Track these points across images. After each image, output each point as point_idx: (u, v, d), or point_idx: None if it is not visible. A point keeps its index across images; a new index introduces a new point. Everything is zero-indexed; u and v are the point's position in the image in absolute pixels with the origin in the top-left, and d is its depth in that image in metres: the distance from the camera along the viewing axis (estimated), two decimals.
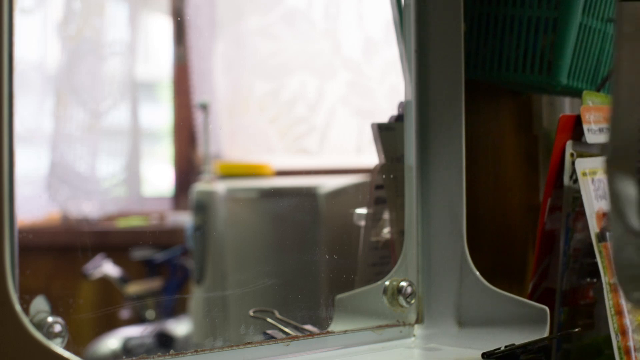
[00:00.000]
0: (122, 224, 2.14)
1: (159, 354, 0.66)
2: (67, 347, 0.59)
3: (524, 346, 0.75)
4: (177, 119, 2.32)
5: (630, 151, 0.62)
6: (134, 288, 1.81)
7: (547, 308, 0.78)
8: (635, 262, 0.61)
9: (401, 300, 0.81)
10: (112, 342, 1.68)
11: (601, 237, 0.85)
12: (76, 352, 0.57)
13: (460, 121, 0.80)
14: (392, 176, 0.86)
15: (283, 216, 1.36)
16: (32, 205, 1.96)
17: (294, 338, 0.75)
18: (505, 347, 0.75)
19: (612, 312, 0.83)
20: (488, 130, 1.01)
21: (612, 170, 0.62)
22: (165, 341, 1.68)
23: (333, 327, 0.80)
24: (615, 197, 0.61)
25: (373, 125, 0.86)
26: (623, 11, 0.60)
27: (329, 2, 2.14)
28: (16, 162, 0.55)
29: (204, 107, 1.91)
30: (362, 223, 0.89)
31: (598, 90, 0.95)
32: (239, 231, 1.44)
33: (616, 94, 0.62)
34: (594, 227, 0.85)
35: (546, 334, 0.77)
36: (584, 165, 0.87)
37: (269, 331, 0.79)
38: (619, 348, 0.83)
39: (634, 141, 0.62)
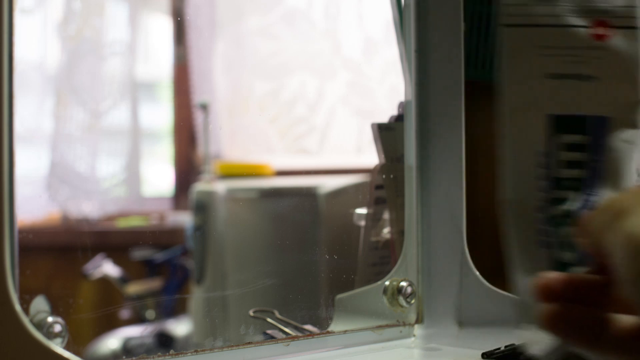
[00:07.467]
0: (122, 224, 2.14)
1: (159, 354, 0.66)
2: (67, 347, 0.59)
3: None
4: (177, 119, 2.32)
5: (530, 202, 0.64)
6: (134, 288, 1.81)
7: None
8: (529, 304, 0.62)
9: (401, 300, 0.80)
10: (112, 342, 1.68)
11: None
12: (76, 352, 0.57)
13: (460, 121, 0.80)
14: (392, 176, 0.86)
15: (283, 216, 1.36)
16: (32, 205, 1.96)
17: (294, 338, 0.75)
18: (505, 347, 0.75)
19: None
20: (488, 130, 1.00)
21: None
22: (165, 341, 1.69)
23: (333, 327, 0.80)
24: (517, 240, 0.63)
25: (373, 125, 0.86)
26: (507, 89, 0.62)
27: (329, 2, 2.14)
28: (16, 162, 0.55)
29: (204, 107, 1.91)
30: (362, 223, 0.89)
31: None
32: (239, 231, 1.44)
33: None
34: None
35: None
36: None
37: (269, 331, 0.79)
38: None
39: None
